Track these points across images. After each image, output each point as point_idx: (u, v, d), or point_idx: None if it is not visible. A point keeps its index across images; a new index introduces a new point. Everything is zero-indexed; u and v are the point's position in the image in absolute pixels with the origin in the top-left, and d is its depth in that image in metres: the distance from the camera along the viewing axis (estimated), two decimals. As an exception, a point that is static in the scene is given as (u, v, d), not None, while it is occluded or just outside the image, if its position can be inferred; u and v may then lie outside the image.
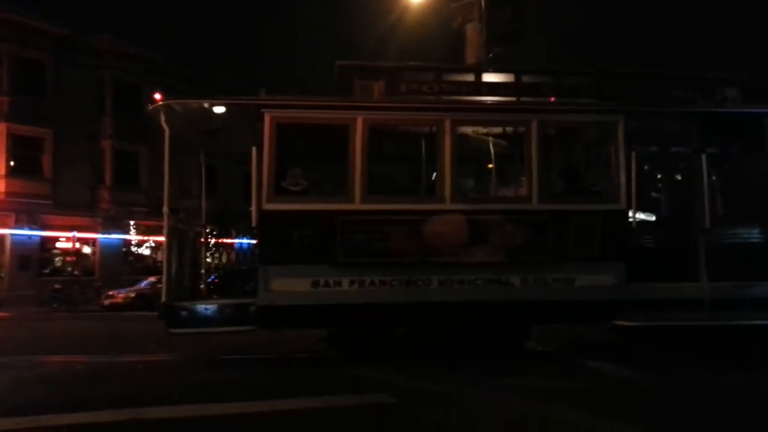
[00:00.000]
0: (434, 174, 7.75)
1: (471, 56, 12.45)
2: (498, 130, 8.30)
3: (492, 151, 8.23)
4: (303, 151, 8.32)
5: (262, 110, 7.37)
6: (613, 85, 8.61)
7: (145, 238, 29.16)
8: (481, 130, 8.22)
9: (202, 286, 9.05)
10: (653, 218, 9.94)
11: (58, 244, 27.39)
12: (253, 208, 7.33)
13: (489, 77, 8.61)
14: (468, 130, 8.05)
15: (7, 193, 25.35)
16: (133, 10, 52.29)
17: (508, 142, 8.45)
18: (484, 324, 7.47)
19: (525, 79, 8.53)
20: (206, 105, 7.73)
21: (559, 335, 9.02)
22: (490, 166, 8.23)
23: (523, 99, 8.29)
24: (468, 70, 9.67)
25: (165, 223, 7.80)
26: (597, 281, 7.43)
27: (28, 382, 6.56)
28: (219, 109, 7.73)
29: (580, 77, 8.78)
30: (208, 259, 10.25)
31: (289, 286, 7.14)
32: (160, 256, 27.77)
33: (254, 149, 7.31)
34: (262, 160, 7.29)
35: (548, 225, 7.41)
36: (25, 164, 26.12)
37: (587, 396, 5.50)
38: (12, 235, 25.57)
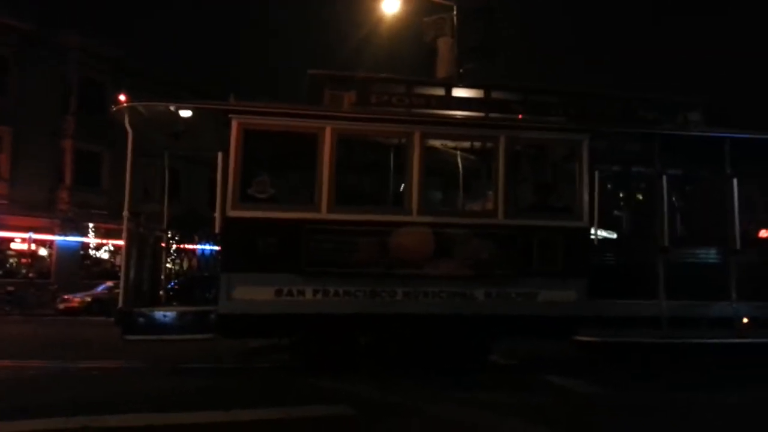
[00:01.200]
0: (402, 186, 7.76)
1: (442, 71, 12.59)
2: (467, 144, 8.37)
3: (460, 165, 8.30)
4: (270, 158, 8.24)
5: (229, 115, 7.29)
6: (581, 104, 8.80)
7: (104, 241, 28.44)
8: (450, 143, 8.28)
9: (161, 293, 8.84)
10: (615, 236, 10.16)
11: (13, 245, 26.49)
12: (218, 214, 7.21)
13: (459, 92, 8.71)
14: (437, 143, 8.10)
15: (-39, 192, 24.49)
16: (101, 7, 51.33)
17: (476, 157, 8.54)
18: (448, 337, 7.48)
19: (495, 95, 8.66)
20: (172, 108, 7.59)
21: (521, 349, 9.09)
22: (458, 180, 8.29)
23: (492, 115, 8.40)
24: (439, 84, 9.77)
25: (125, 227, 7.62)
26: (559, 296, 7.51)
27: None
28: (186, 113, 7.61)
29: (548, 95, 8.95)
30: (169, 265, 10.02)
31: (251, 294, 7.03)
32: (119, 260, 27.13)
33: (220, 154, 7.21)
34: (228, 166, 7.20)
35: (513, 240, 7.49)
36: (-21, 162, 25.27)
37: (546, 410, 5.55)
38: (-37, 235, 24.66)
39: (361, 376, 6.94)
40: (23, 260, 26.39)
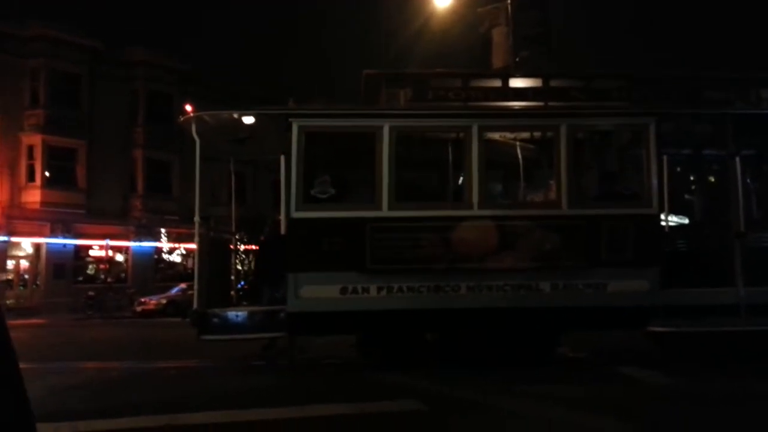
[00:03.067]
0: (462, 180, 7.73)
1: (498, 61, 12.43)
2: (526, 135, 8.25)
3: (520, 156, 8.18)
4: (331, 159, 8.38)
5: (290, 119, 7.45)
6: (645, 87, 8.50)
7: (176, 245, 29.65)
8: (509, 135, 8.18)
9: (232, 293, 9.16)
10: (687, 222, 9.76)
11: (92, 252, 28.02)
12: (282, 216, 7.40)
13: (516, 82, 8.57)
14: (496, 135, 8.02)
15: (43, 203, 26.05)
16: (164, 22, 53.38)
17: (536, 147, 8.40)
18: (514, 330, 7.41)
19: (553, 83, 8.47)
20: (236, 115, 7.84)
21: (591, 342, 8.89)
22: (519, 171, 8.19)
23: (551, 103, 8.23)
24: (495, 76, 9.65)
25: (196, 232, 7.92)
26: (630, 287, 7.30)
27: (64, 388, 6.70)
28: (248, 119, 7.84)
29: (610, 80, 8.68)
30: (238, 266, 10.36)
31: (318, 292, 7.18)
32: (191, 263, 28.22)
33: (283, 157, 7.39)
34: (290, 169, 7.37)
35: (579, 230, 7.33)
36: (60, 175, 26.80)
37: (621, 404, 5.41)
38: (47, 244, 26.23)
39: (427, 371, 6.96)
40: (101, 266, 27.87)
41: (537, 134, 8.22)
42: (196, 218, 7.85)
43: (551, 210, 7.50)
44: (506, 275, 7.23)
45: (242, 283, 9.84)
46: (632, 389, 6.19)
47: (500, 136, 8.14)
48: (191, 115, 7.90)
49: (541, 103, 8.27)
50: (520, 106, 8.20)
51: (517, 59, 12.04)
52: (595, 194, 8.04)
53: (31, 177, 26.25)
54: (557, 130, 7.54)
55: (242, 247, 10.28)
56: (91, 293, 24.30)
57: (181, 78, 30.21)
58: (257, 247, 9.39)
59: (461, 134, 7.68)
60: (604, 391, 6.01)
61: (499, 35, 12.48)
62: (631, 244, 7.31)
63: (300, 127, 7.41)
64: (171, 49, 31.27)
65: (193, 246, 8.62)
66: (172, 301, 22.30)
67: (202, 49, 53.09)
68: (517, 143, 8.24)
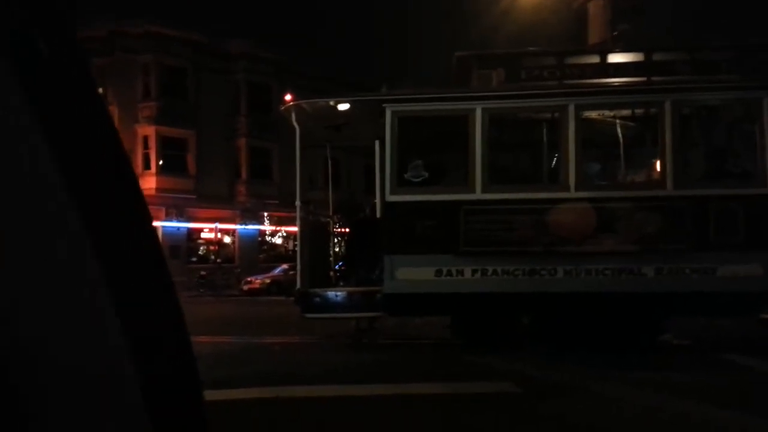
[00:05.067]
0: (557, 161, 7.58)
1: (594, 36, 11.92)
2: (627, 112, 7.92)
3: (620, 135, 7.89)
4: (424, 142, 8.47)
5: (383, 105, 7.61)
6: (756, 58, 7.88)
7: (278, 228, 31.00)
8: (608, 113, 7.90)
9: (331, 273, 9.55)
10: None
11: (203, 235, 29.90)
12: (378, 200, 7.61)
13: (615, 58, 8.22)
14: (594, 114, 7.77)
15: (158, 189, 28.01)
16: (264, 15, 55.28)
17: (638, 125, 8.05)
18: (614, 315, 7.23)
19: (656, 57, 8.04)
20: (332, 103, 8.12)
21: (697, 329, 8.48)
22: (619, 151, 7.90)
23: (654, 79, 7.84)
24: (592, 52, 9.29)
25: (297, 215, 8.31)
26: (742, 271, 6.90)
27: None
28: (343, 106, 8.09)
29: (717, 52, 8.12)
30: (336, 248, 10.75)
31: (413, 274, 7.35)
32: (291, 244, 29.42)
33: (377, 142, 7.58)
34: (385, 153, 7.55)
35: (685, 211, 6.99)
36: (171, 163, 28.66)
37: (728, 391, 5.19)
38: (163, 227, 28.23)
39: (522, 354, 6.96)
40: (212, 248, 29.71)
41: (639, 111, 7.87)
42: (297, 202, 8.24)
43: (655, 191, 7.20)
44: (606, 259, 7.05)
45: (339, 264, 10.19)
46: (740, 377, 5.90)
47: (599, 115, 7.87)
48: (290, 103, 8.25)
49: (643, 79, 7.90)
50: (620, 82, 7.88)
51: (615, 33, 11.46)
52: (702, 174, 7.62)
53: (146, 165, 28.28)
54: (662, 107, 7.20)
55: (339, 230, 10.63)
56: (203, 273, 25.96)
57: (279, 68, 31.27)
58: (350, 230, 9.68)
59: (557, 114, 7.51)
60: (710, 378, 5.76)
61: (595, 8, 11.95)
62: (742, 226, 6.89)
63: (393, 113, 7.55)
64: (269, 39, 32.34)
65: (293, 229, 9.06)
66: (275, 281, 23.36)
67: (297, 38, 54.52)
68: (617, 121, 7.94)
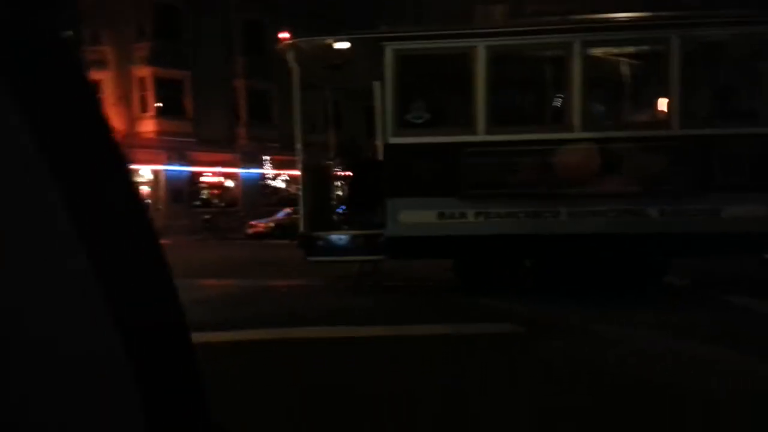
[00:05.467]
0: (562, 101, 7.43)
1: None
2: (632, 49, 7.70)
3: (625, 73, 7.70)
4: (425, 82, 8.30)
5: (383, 43, 7.40)
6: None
7: (279, 171, 30.90)
8: (614, 50, 7.68)
9: (333, 217, 9.56)
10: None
11: (204, 179, 29.85)
12: (379, 142, 7.52)
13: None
14: (599, 51, 7.55)
15: (157, 132, 27.77)
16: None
17: (644, 63, 7.84)
18: (618, 257, 7.25)
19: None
20: (330, 41, 7.89)
21: (700, 270, 8.54)
22: (624, 89, 7.73)
23: (661, 13, 7.58)
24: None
25: (298, 159, 8.24)
26: (746, 212, 6.86)
27: (187, 303, 7.33)
28: (342, 45, 7.87)
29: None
30: (338, 191, 10.74)
31: (415, 218, 7.34)
32: (293, 188, 29.41)
33: (377, 83, 7.42)
34: (385, 94, 7.40)
35: (691, 152, 6.90)
36: (169, 105, 28.27)
37: (732, 332, 5.25)
38: (165, 170, 28.17)
39: (525, 296, 7.04)
40: (214, 191, 29.73)
41: (645, 48, 7.64)
42: (298, 146, 8.15)
43: (660, 130, 7.08)
44: (610, 200, 7.01)
45: (342, 207, 10.19)
46: (743, 317, 5.98)
47: (604, 52, 7.66)
48: (287, 42, 8.02)
49: (649, 14, 7.64)
50: (626, 17, 7.62)
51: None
52: (708, 113, 7.47)
53: (143, 108, 27.93)
54: (668, 43, 6.98)
55: (340, 173, 10.57)
56: (206, 216, 26.10)
57: (273, 4, 30.34)
58: (351, 173, 9.63)
59: (562, 51, 7.31)
60: (714, 319, 5.83)
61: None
62: (748, 167, 6.81)
63: (393, 51, 7.36)
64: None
65: (295, 172, 8.99)
66: (279, 225, 23.48)
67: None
68: (623, 59, 7.73)
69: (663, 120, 7.14)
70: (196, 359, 0.69)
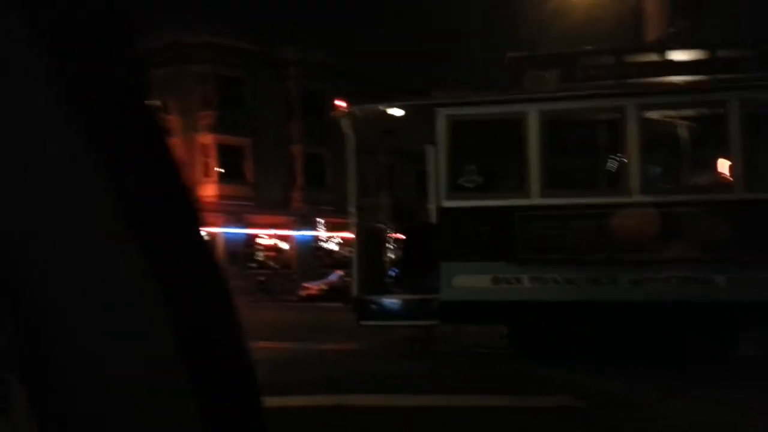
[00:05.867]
0: (618, 164, 7.34)
1: (651, 33, 11.48)
2: (691, 112, 7.60)
3: (684, 136, 7.57)
4: (478, 146, 8.36)
5: (436, 109, 7.56)
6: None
7: (333, 234, 31.32)
8: (671, 113, 7.59)
9: (386, 280, 9.54)
10: None
11: (260, 241, 30.53)
12: (433, 206, 7.56)
13: (677, 55, 7.90)
14: (655, 114, 7.48)
15: (218, 197, 28.80)
16: (314, 20, 56.14)
17: (703, 126, 7.70)
18: (681, 326, 6.91)
19: (720, 53, 7.68)
20: (384, 108, 8.12)
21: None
22: (683, 153, 7.58)
23: (719, 77, 7.49)
24: (651, 49, 8.97)
25: (352, 221, 8.35)
26: None
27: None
28: (396, 111, 8.09)
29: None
30: (390, 255, 10.77)
31: (470, 282, 7.26)
32: (346, 250, 29.66)
33: (431, 147, 7.53)
34: (438, 158, 7.50)
35: (758, 216, 6.63)
36: (230, 170, 29.42)
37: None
38: (224, 233, 28.99)
39: (583, 366, 6.75)
40: (269, 253, 30.31)
41: (704, 111, 7.52)
42: (351, 209, 8.28)
43: (724, 194, 6.86)
44: (672, 267, 6.75)
45: (394, 270, 10.18)
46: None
47: (660, 115, 7.58)
48: (343, 110, 8.30)
49: (706, 77, 7.56)
50: (682, 81, 7.56)
51: (673, 30, 11.01)
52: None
53: (206, 173, 29.14)
54: (728, 106, 6.86)
55: (392, 236, 10.64)
56: (261, 278, 26.50)
57: (330, 73, 31.63)
58: (404, 236, 9.66)
59: (616, 115, 7.28)
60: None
61: (652, 4, 11.50)
62: None
63: (446, 117, 7.49)
64: (319, 44, 32.64)
65: (348, 235, 9.11)
66: (331, 287, 23.57)
67: (348, 42, 55.02)
68: (681, 122, 7.63)
69: (726, 183, 6.93)
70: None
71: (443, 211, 7.43)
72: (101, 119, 0.60)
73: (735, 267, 6.67)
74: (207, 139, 29.22)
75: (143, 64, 0.72)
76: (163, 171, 0.66)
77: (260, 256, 30.65)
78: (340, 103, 8.70)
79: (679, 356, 6.81)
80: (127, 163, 0.61)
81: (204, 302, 0.67)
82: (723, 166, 7.10)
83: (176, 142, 28.71)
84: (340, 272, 24.70)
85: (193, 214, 0.68)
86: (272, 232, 29.25)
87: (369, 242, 8.81)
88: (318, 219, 30.75)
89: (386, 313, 7.80)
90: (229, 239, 28.89)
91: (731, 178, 6.84)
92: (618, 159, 7.38)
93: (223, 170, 29.17)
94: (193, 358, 0.60)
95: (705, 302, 6.74)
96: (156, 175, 0.65)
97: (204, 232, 0.72)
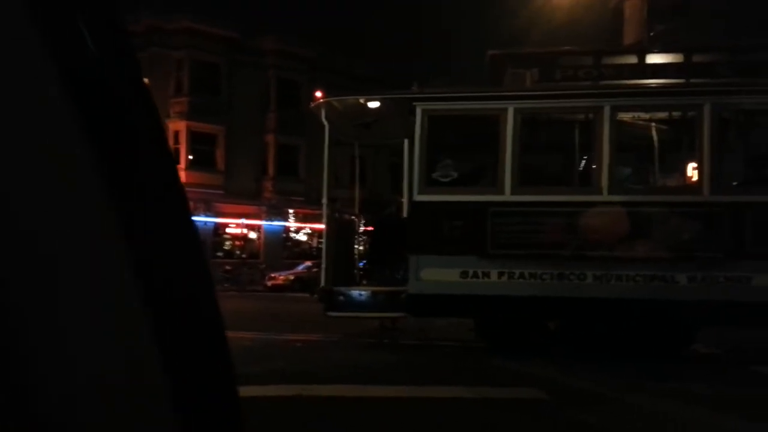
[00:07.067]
0: (590, 164, 7.41)
1: (629, 36, 11.66)
2: (664, 115, 7.71)
3: (656, 138, 7.68)
4: (454, 142, 8.37)
5: (414, 103, 7.52)
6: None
7: (303, 225, 31.13)
8: (644, 115, 7.69)
9: (355, 272, 9.49)
10: None
11: (229, 230, 30.16)
12: (405, 199, 7.52)
13: (654, 58, 8.01)
14: (629, 116, 7.58)
15: (187, 184, 28.31)
16: (294, 11, 55.67)
17: (675, 129, 7.83)
18: (644, 323, 7.03)
19: (696, 58, 7.81)
20: (362, 100, 8.06)
21: (729, 339, 8.21)
22: (654, 154, 7.69)
23: (693, 81, 7.62)
24: (629, 52, 9.08)
25: (324, 213, 8.27)
26: None
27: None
28: (374, 104, 8.03)
29: (762, 53, 7.85)
30: (359, 247, 10.71)
31: (438, 275, 7.25)
32: (316, 242, 29.53)
33: (406, 141, 7.49)
34: (414, 152, 7.46)
35: (721, 218, 6.77)
36: (201, 158, 28.97)
37: (758, 405, 4.98)
38: (191, 221, 28.51)
39: (548, 359, 6.81)
40: (237, 243, 29.97)
41: (676, 114, 7.65)
42: (324, 200, 8.20)
43: (691, 196, 6.99)
44: (638, 265, 6.86)
45: (363, 262, 10.13)
46: (763, 389, 5.67)
47: (634, 117, 7.68)
48: (321, 100, 8.21)
49: (681, 81, 7.68)
50: (657, 83, 7.66)
51: (652, 33, 11.19)
52: (740, 179, 7.37)
53: (176, 160, 28.64)
54: (700, 110, 6.98)
55: (363, 229, 10.60)
56: (228, 267, 26.21)
57: (309, 64, 31.40)
58: (374, 228, 9.62)
59: (591, 115, 7.34)
60: (738, 390, 5.55)
61: (631, 8, 11.68)
62: None
63: (424, 111, 7.46)
64: (301, 35, 32.41)
65: (318, 226, 9.03)
66: (299, 278, 23.46)
67: (328, 35, 54.74)
68: (654, 124, 7.73)
69: (693, 186, 7.06)
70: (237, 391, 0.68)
71: (415, 205, 7.41)
72: (88, 100, 0.56)
73: (697, 266, 6.79)
74: (179, 125, 28.69)
75: (131, 41, 0.67)
76: (155, 158, 0.63)
77: (228, 245, 30.28)
78: (318, 94, 8.60)
79: (642, 352, 6.91)
80: (116, 149, 0.58)
81: (188, 296, 0.65)
82: (692, 168, 7.22)
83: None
84: (308, 263, 24.59)
85: (183, 204, 0.64)
86: (241, 221, 28.90)
87: (339, 234, 8.74)
88: (289, 210, 30.51)
89: (353, 305, 7.75)
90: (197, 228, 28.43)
91: (698, 181, 6.96)
92: (590, 158, 7.44)
93: (193, 157, 28.69)
94: (173, 356, 0.59)
95: (668, 300, 6.86)
96: (147, 162, 0.62)
97: (195, 222, 0.68)
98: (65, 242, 0.54)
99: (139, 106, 0.62)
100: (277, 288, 23.32)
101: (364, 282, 9.04)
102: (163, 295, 0.59)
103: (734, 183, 7.31)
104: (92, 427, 0.55)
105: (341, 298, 7.78)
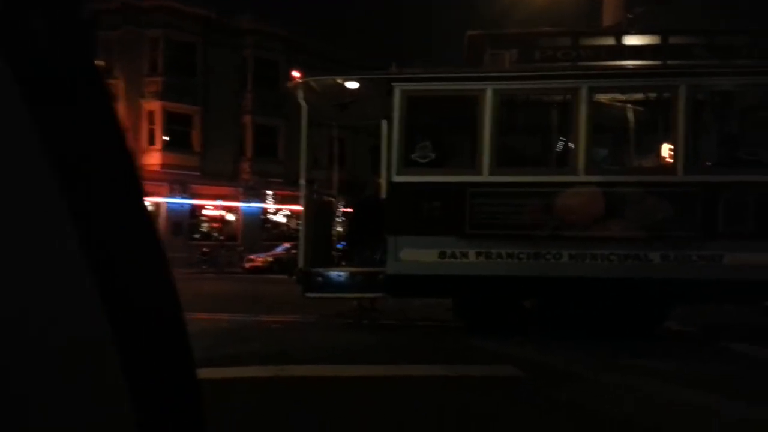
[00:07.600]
0: (567, 145, 7.45)
1: (608, 18, 11.68)
2: (640, 96, 7.78)
3: (632, 119, 7.75)
4: (433, 123, 8.34)
5: (392, 84, 7.47)
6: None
7: (281, 206, 30.96)
8: (621, 96, 7.74)
9: (333, 253, 9.47)
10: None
11: (206, 212, 29.87)
12: (383, 180, 7.50)
13: (632, 40, 8.03)
14: (606, 97, 7.62)
15: (162, 165, 27.92)
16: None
17: (651, 109, 7.90)
18: (619, 301, 7.15)
19: (672, 40, 7.85)
20: (340, 81, 7.98)
21: (702, 316, 8.41)
22: (630, 135, 7.76)
23: (669, 62, 7.67)
24: (608, 33, 9.09)
25: (302, 194, 8.22)
26: (749, 259, 6.80)
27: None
28: (352, 84, 7.96)
29: (735, 37, 7.92)
30: (338, 228, 10.69)
31: (417, 256, 7.27)
32: (294, 223, 29.41)
33: (385, 122, 7.45)
34: (392, 133, 7.43)
35: (695, 198, 6.88)
36: (177, 139, 28.55)
37: (729, 380, 5.12)
38: (167, 203, 28.21)
39: (524, 338, 6.90)
40: (214, 225, 29.71)
41: (652, 95, 7.72)
42: (302, 181, 8.13)
43: (665, 176, 7.08)
44: (612, 244, 6.95)
45: (342, 243, 10.12)
46: (741, 365, 5.84)
47: (611, 98, 7.72)
48: (298, 81, 8.11)
49: (658, 62, 7.72)
50: (634, 65, 7.70)
51: (630, 16, 11.22)
52: (714, 160, 7.48)
53: (151, 141, 28.17)
54: (675, 91, 7.04)
55: (342, 210, 10.57)
56: (205, 249, 26.01)
57: (287, 45, 31.00)
58: (352, 210, 9.59)
59: (569, 96, 7.36)
60: (711, 366, 5.70)
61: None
62: (751, 215, 6.77)
63: (402, 92, 7.42)
64: (278, 15, 31.95)
65: (296, 207, 8.98)
66: (277, 259, 23.40)
67: (307, 16, 53.99)
68: (630, 105, 7.80)
69: (668, 166, 7.14)
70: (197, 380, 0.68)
71: (393, 186, 7.39)
72: (38, 79, 0.55)
73: (670, 246, 6.90)
74: (153, 105, 28.20)
75: (89, 23, 0.63)
76: (104, 136, 0.62)
77: (205, 227, 30.02)
78: (296, 74, 8.47)
79: (617, 330, 7.04)
80: (64, 126, 0.57)
81: (141, 277, 0.63)
82: (666, 149, 7.31)
83: (120, 108, 27.61)
84: (286, 245, 24.53)
85: (135, 183, 0.63)
86: (219, 203, 28.64)
87: (318, 215, 8.70)
88: (267, 191, 30.29)
89: (332, 286, 7.74)
90: (173, 209, 28.14)
91: (673, 161, 7.04)
92: (567, 139, 7.47)
93: (168, 138, 28.24)
94: (127, 337, 0.58)
95: (642, 278, 6.96)
96: (96, 140, 0.61)
97: (147, 202, 0.69)
98: (15, 233, 0.53)
99: (90, 93, 0.61)
100: (255, 270, 23.24)
101: (343, 263, 9.03)
102: (116, 283, 0.58)
103: (708, 163, 7.42)
104: (47, 418, 0.55)
105: (319, 279, 7.77)
